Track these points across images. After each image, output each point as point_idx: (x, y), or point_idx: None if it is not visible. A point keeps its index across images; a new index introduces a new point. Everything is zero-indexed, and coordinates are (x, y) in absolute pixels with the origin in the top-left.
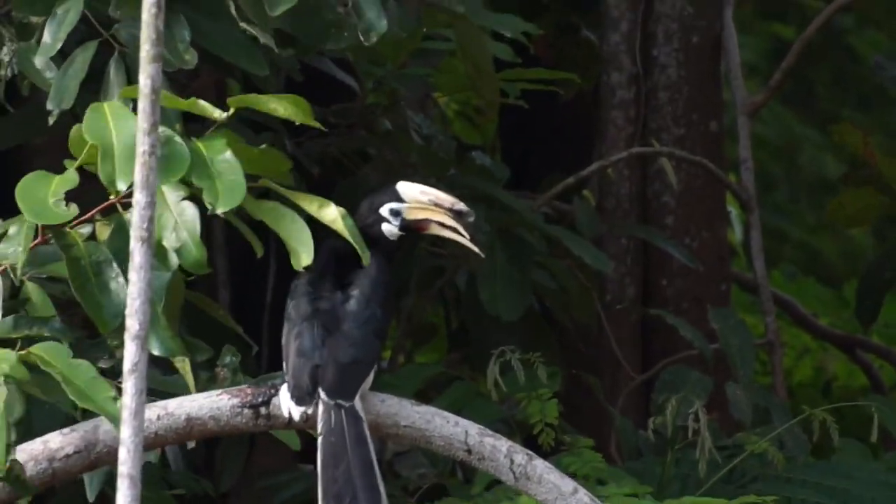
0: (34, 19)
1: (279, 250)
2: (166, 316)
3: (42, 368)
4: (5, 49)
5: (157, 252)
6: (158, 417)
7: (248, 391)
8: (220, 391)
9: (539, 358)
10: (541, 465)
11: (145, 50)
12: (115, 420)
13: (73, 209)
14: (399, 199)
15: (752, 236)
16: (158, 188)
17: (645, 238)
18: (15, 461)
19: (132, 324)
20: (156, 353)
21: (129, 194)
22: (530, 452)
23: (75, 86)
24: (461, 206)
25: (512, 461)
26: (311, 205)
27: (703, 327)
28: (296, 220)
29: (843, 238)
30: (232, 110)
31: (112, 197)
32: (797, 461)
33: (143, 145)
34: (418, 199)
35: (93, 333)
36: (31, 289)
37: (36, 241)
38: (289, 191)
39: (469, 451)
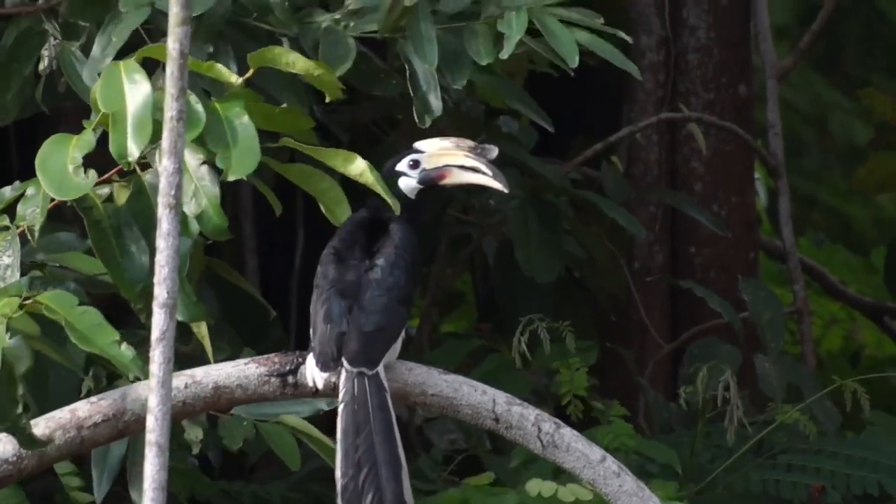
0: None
1: (307, 215)
2: (188, 282)
3: (50, 322)
4: (48, 45)
5: None
6: (186, 386)
7: (276, 359)
8: (247, 360)
9: (568, 327)
10: (568, 434)
11: (174, 13)
12: (121, 363)
13: (92, 176)
14: (418, 153)
15: (780, 202)
16: None
17: (673, 204)
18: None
19: (160, 292)
20: (178, 318)
21: (144, 156)
22: (558, 421)
23: None
24: (483, 145)
25: (539, 429)
26: (336, 159)
27: (731, 295)
28: (325, 179)
29: (873, 205)
30: (251, 71)
31: (124, 167)
32: (828, 433)
33: (171, 111)
34: (438, 144)
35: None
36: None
37: (53, 203)
38: (312, 147)
39: (497, 420)
